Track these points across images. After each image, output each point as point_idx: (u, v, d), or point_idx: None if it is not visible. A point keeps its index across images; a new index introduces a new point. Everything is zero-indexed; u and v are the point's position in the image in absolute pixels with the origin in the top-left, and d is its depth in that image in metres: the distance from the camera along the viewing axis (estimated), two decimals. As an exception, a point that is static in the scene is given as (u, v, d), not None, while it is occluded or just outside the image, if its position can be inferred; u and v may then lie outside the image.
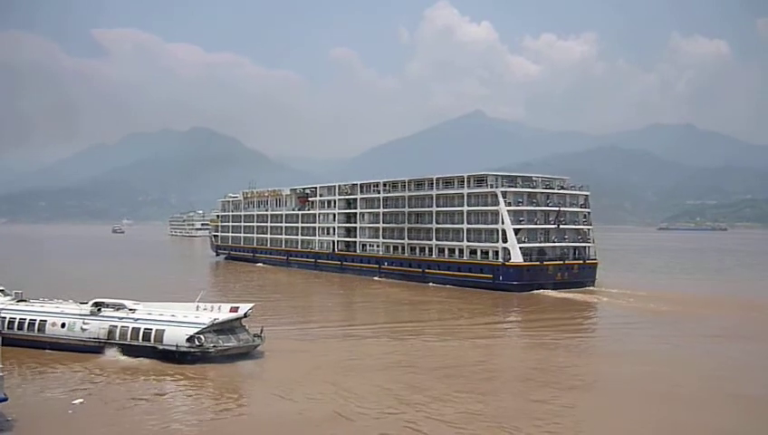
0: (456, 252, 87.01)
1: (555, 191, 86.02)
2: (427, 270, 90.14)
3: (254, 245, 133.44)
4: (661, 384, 36.15)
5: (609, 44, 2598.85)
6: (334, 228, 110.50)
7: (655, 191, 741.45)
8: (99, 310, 41.64)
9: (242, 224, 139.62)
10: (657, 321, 60.84)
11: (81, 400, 31.41)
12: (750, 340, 51.73)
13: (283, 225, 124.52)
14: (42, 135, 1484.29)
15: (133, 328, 39.60)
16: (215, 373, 37.28)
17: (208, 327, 38.64)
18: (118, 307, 41.71)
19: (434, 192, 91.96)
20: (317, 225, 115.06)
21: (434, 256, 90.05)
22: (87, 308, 42.11)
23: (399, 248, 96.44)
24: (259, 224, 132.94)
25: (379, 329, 56.85)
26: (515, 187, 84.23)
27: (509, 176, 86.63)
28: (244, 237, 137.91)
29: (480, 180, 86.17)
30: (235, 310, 40.75)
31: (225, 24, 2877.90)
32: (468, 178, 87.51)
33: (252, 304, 42.18)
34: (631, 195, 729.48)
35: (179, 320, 39.36)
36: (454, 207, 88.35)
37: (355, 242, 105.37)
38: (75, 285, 65.94)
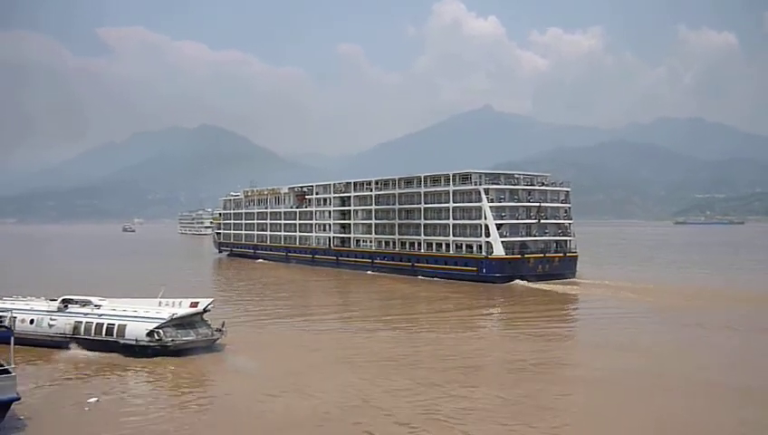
0: (443, 246, 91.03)
1: (536, 188, 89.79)
2: (416, 264, 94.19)
3: (255, 241, 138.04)
4: (642, 374, 37.15)
5: (616, 38, 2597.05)
6: (330, 225, 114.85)
7: (664, 185, 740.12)
8: (66, 306, 43.13)
9: (243, 222, 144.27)
10: (634, 311, 62.16)
11: (97, 398, 31.55)
12: (734, 331, 52.30)
13: (282, 222, 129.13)
14: (49, 135, 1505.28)
15: (97, 323, 41.06)
16: (213, 368, 38.73)
17: (168, 322, 40.00)
18: (84, 303, 43.17)
19: (422, 190, 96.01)
20: (314, 222, 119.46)
21: (422, 251, 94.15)
22: (55, 305, 43.55)
23: (390, 243, 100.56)
24: (259, 221, 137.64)
25: (370, 321, 58.50)
26: (498, 184, 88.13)
27: (492, 173, 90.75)
28: (246, 235, 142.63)
29: (465, 178, 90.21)
30: (195, 305, 42.19)
31: (230, 21, 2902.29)
32: (454, 175, 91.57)
33: (211, 299, 43.84)
34: (640, 189, 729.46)
35: (141, 315, 40.88)
36: (440, 203, 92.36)
37: (349, 238, 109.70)
38: (71, 283, 64.80)
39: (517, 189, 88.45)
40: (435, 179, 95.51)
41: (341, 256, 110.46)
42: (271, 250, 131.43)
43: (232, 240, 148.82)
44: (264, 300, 76.87)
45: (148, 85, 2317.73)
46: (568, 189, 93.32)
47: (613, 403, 31.88)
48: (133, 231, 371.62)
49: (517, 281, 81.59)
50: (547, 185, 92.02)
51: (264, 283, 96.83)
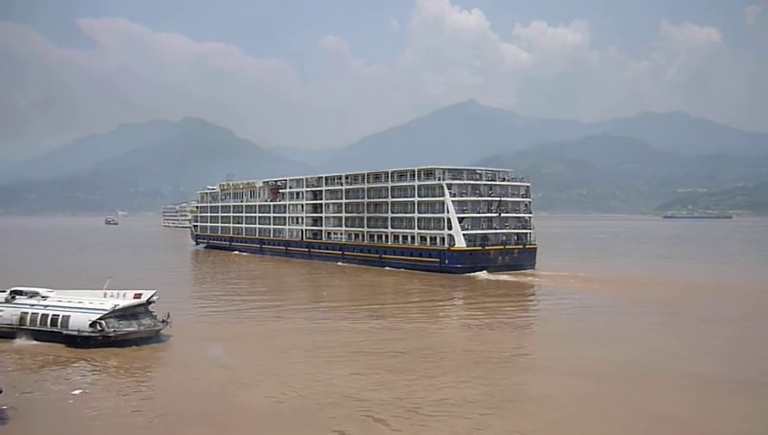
0: (409, 238, 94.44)
1: (497, 183, 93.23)
2: (383, 255, 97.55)
3: (231, 234, 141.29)
4: (608, 364, 38.02)
5: (600, 32, 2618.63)
6: (302, 218, 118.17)
7: (646, 180, 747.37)
8: (13, 298, 43.85)
9: (219, 214, 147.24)
10: (584, 298, 65.96)
11: (81, 390, 31.90)
12: (706, 322, 53.50)
13: (257, 215, 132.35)
14: (31, 126, 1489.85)
15: (42, 314, 41.78)
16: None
17: (110, 313, 40.64)
18: (32, 295, 43.89)
19: (389, 184, 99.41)
20: (287, 215, 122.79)
21: (389, 243, 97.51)
22: (3, 296, 44.19)
23: (360, 236, 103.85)
24: (235, 214, 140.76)
25: (340, 312, 59.15)
26: (460, 179, 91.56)
27: (455, 169, 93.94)
28: (222, 227, 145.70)
29: (429, 173, 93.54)
30: (138, 296, 42.83)
31: (213, 13, 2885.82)
32: (419, 171, 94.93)
33: (154, 291, 43.75)
34: (623, 183, 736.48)
35: (85, 306, 41.51)
36: (406, 197, 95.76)
37: (321, 230, 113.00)
38: (39, 275, 66.33)
39: (479, 184, 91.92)
40: (401, 175, 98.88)
41: (313, 248, 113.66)
42: (246, 242, 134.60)
43: (208, 232, 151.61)
44: (232, 290, 79.68)
45: (131, 77, 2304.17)
46: (528, 184, 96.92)
47: (585, 394, 32.00)
48: (116, 224, 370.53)
49: (478, 272, 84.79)
50: (508, 180, 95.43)
51: (237, 273, 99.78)
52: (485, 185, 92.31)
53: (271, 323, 52.76)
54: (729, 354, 41.87)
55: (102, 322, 40.24)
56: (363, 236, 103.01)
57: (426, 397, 30.69)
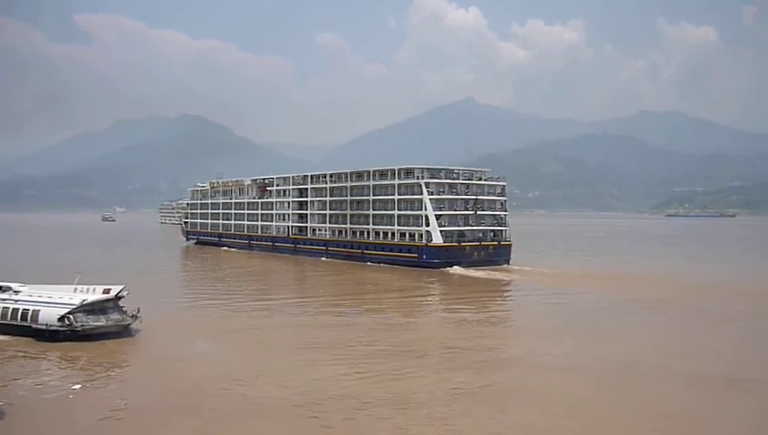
0: (389, 235, 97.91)
1: (474, 182, 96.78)
2: (365, 251, 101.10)
3: (220, 230, 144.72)
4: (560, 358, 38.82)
5: (597, 31, 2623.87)
6: (289, 215, 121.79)
7: (643, 178, 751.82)
8: None
9: (209, 211, 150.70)
10: (553, 292, 68.71)
11: (80, 385, 31.99)
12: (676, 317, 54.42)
13: (245, 212, 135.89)
14: (29, 123, 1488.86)
15: (13, 308, 42.51)
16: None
17: (78, 308, 41.37)
18: (5, 290, 44.65)
19: (371, 183, 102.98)
20: (274, 212, 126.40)
21: (371, 239, 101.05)
22: None
23: (343, 232, 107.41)
24: (224, 211, 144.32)
25: (324, 306, 60.95)
26: (438, 178, 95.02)
27: (433, 168, 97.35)
28: (211, 223, 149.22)
29: (408, 172, 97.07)
30: (107, 292, 43.47)
31: (211, 10, 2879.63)
32: (399, 170, 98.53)
33: (122, 286, 43.92)
34: (620, 182, 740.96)
35: (54, 301, 42.28)
36: (387, 195, 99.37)
37: (306, 227, 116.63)
38: (33, 270, 67.91)
39: (456, 183, 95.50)
40: (382, 174, 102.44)
41: (299, 244, 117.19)
42: (234, 238, 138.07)
43: (198, 229, 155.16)
44: (216, 284, 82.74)
45: (128, 74, 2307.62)
46: (504, 184, 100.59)
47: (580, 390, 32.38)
48: (113, 220, 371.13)
49: (454, 267, 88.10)
50: (485, 180, 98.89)
51: (224, 269, 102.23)
52: (462, 184, 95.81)
53: (250, 319, 53.16)
54: (723, 352, 41.93)
55: (71, 316, 41.06)
56: (346, 232, 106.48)
57: (414, 395, 30.58)
